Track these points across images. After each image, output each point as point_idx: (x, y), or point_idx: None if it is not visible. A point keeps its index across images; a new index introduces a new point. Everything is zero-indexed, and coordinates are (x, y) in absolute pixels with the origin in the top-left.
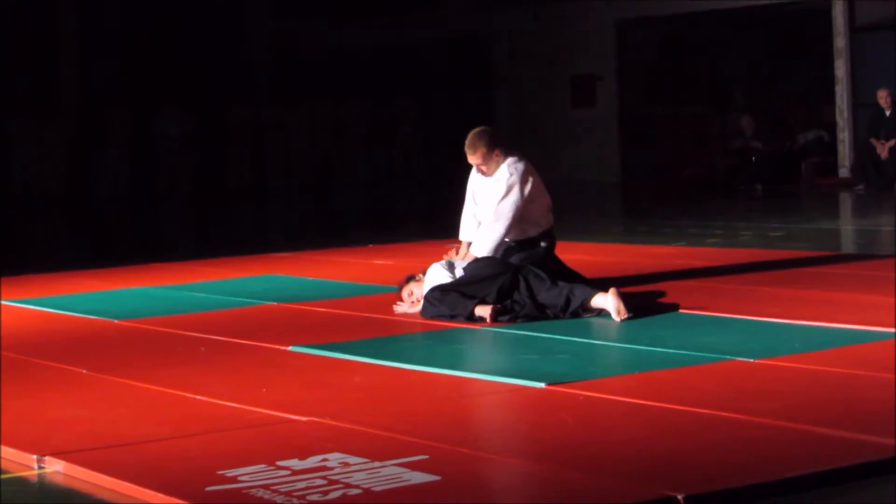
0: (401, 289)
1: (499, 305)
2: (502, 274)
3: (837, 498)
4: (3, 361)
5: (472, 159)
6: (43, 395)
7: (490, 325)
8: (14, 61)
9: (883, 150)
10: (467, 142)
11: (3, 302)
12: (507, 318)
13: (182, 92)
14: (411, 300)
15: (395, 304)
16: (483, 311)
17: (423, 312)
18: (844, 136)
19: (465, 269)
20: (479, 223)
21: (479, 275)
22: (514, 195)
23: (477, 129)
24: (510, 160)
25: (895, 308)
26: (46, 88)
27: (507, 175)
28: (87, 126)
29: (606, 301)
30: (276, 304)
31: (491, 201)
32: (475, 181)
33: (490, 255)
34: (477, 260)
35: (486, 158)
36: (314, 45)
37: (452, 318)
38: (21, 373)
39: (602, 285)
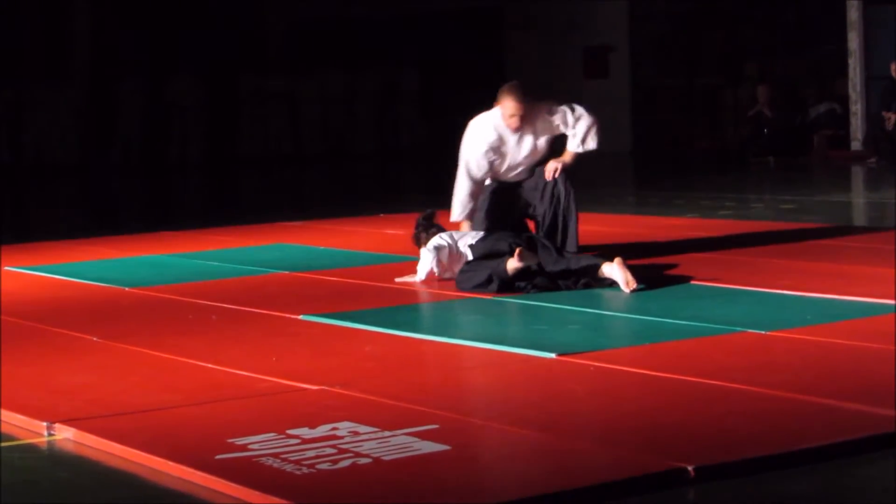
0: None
1: (523, 247)
2: (515, 243)
3: (848, 470)
4: (14, 329)
5: (517, 109)
6: (53, 362)
7: (500, 296)
8: (26, 29)
9: (892, 121)
10: (513, 91)
11: (15, 269)
12: (523, 284)
13: (193, 60)
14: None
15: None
16: (513, 262)
17: (461, 285)
18: (857, 109)
19: (475, 246)
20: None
21: (494, 249)
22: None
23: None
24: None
25: None
26: (58, 56)
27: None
28: (98, 94)
29: (613, 272)
30: (286, 272)
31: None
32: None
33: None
34: (485, 238)
35: (529, 109)
36: (325, 13)
37: (489, 283)
38: (31, 340)
39: (612, 256)
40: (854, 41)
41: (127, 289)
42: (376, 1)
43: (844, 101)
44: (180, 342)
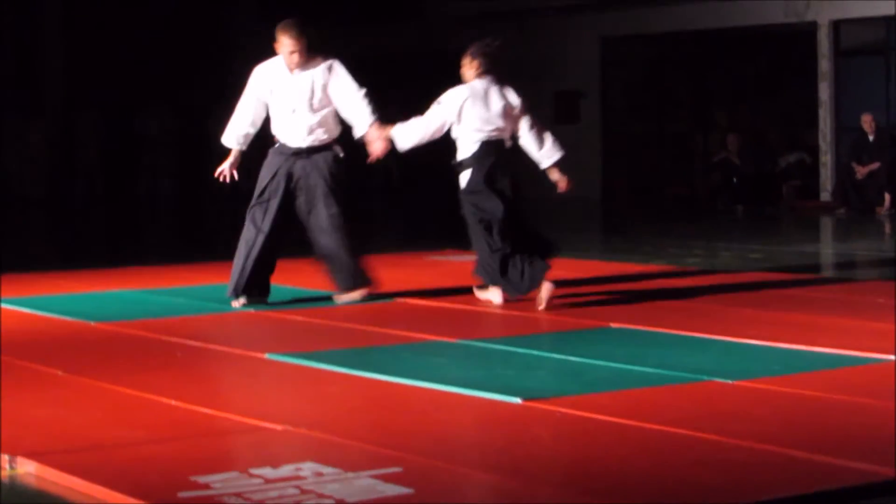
0: None
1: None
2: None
3: None
4: None
5: (294, 45)
6: (17, 395)
7: (462, 339)
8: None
9: (861, 172)
10: (289, 29)
11: None
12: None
13: (164, 94)
14: None
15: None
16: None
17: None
18: (826, 160)
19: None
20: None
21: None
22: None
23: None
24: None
25: None
26: (29, 89)
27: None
28: (68, 127)
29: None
30: (252, 311)
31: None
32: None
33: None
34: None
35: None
36: None
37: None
38: None
39: (580, 303)
40: (824, 92)
41: (93, 323)
42: (345, 43)
43: (814, 151)
44: (145, 378)
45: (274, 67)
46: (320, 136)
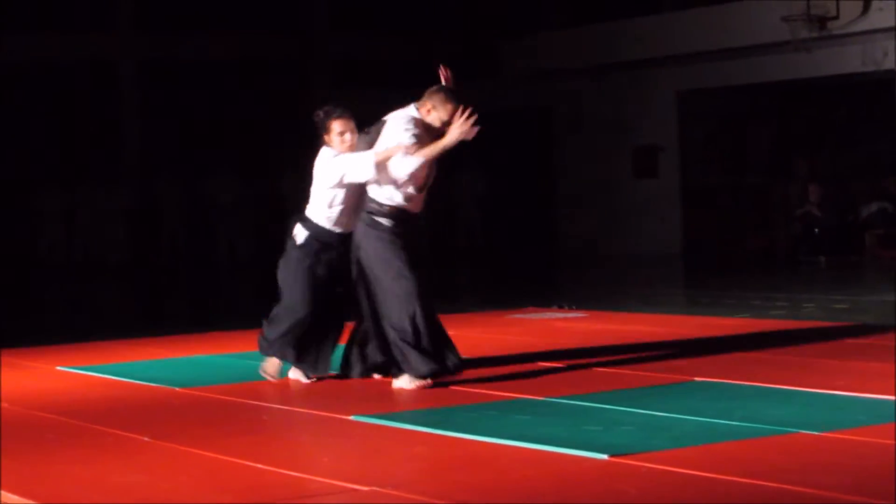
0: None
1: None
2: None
3: None
4: (66, 429)
5: (451, 116)
6: (104, 461)
7: (548, 397)
8: (77, 131)
9: None
10: (453, 98)
11: (67, 369)
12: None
13: (238, 159)
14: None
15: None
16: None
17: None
18: None
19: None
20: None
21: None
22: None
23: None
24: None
25: None
26: (109, 157)
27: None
28: (147, 195)
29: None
30: (335, 373)
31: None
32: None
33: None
34: None
35: None
36: (373, 115)
37: None
38: (83, 439)
39: (664, 357)
40: None
41: (177, 389)
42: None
43: None
44: (231, 442)
45: (422, 122)
46: None
